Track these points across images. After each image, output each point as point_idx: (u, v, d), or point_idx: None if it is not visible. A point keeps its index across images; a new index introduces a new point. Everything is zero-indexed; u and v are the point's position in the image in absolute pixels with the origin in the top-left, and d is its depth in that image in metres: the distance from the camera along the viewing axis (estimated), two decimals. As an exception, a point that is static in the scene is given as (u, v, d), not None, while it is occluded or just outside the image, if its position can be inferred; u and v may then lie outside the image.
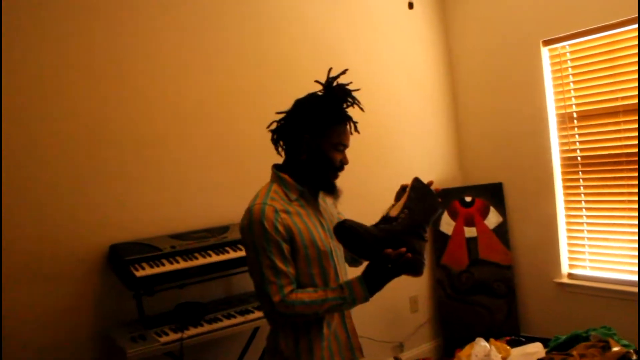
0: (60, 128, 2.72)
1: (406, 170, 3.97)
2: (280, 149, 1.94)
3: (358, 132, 1.92)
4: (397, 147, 4.04)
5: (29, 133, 2.64)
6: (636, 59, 3.23)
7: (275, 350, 1.85)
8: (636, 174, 3.33)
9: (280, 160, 1.96)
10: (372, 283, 1.72)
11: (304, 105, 1.87)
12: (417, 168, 4.06)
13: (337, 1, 3.73)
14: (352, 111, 1.89)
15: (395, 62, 4.04)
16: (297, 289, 1.76)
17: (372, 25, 3.92)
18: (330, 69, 1.89)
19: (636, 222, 3.35)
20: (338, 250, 1.93)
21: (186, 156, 3.09)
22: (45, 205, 2.68)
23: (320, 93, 1.88)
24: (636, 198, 3.36)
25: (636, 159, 3.33)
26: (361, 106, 1.89)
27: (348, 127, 1.88)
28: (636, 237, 3.34)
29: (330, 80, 1.86)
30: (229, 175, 3.21)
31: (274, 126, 1.94)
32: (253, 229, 1.75)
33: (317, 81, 1.89)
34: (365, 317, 2.06)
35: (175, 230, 2.96)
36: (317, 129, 1.82)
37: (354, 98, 1.88)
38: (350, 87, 1.87)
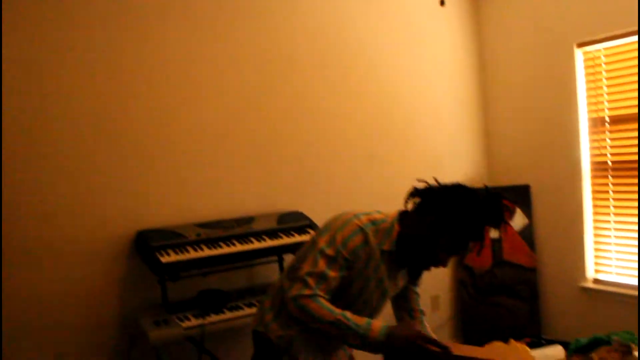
0: (81, 126, 2.81)
1: (434, 166, 3.96)
2: (410, 203, 1.90)
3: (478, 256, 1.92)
4: (426, 144, 4.02)
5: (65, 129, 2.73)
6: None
7: (267, 326, 1.94)
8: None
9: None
10: (392, 342, 1.72)
11: (464, 204, 1.79)
12: (445, 165, 4.06)
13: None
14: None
15: (425, 58, 4.03)
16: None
17: (403, 20, 3.89)
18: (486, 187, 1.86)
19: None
20: (381, 309, 2.03)
21: (213, 149, 3.13)
22: (75, 186, 2.76)
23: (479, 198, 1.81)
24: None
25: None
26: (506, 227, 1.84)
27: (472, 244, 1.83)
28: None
29: (493, 196, 1.80)
30: (255, 167, 3.24)
31: (421, 186, 1.89)
32: (341, 231, 1.82)
33: (481, 189, 1.85)
34: (385, 311, 2.07)
35: (202, 220, 3.01)
36: (454, 230, 1.79)
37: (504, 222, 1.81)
38: None
